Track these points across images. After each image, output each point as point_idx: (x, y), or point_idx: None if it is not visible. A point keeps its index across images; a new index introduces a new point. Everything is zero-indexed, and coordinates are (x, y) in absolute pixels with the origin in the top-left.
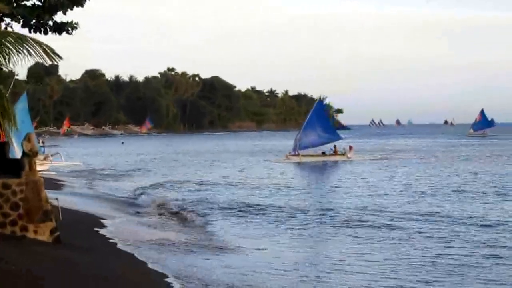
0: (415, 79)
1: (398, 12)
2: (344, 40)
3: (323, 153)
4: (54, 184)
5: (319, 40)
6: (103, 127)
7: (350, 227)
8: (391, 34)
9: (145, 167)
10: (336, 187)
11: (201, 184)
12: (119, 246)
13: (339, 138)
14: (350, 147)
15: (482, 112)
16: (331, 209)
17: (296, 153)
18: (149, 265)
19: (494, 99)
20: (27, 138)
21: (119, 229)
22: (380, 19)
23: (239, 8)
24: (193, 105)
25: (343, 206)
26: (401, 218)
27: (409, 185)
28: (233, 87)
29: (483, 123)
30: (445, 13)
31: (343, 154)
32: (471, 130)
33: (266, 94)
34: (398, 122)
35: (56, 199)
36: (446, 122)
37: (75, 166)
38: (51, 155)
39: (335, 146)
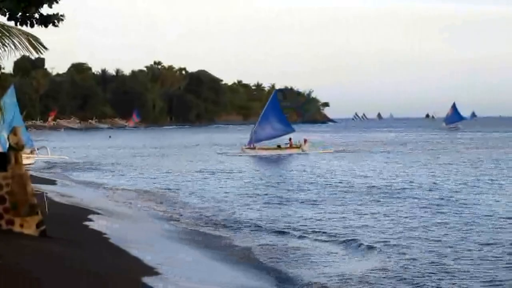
0: (400, 73)
1: (383, 7)
2: (331, 34)
3: (278, 146)
4: (40, 178)
5: (305, 34)
6: (90, 120)
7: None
8: (377, 29)
9: (129, 162)
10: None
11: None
12: (108, 240)
13: (292, 130)
14: (305, 140)
15: (454, 106)
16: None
17: (252, 146)
18: (141, 259)
19: (476, 92)
20: (13, 131)
21: (107, 222)
22: (365, 14)
23: (226, 1)
24: (179, 98)
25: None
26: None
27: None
28: (219, 80)
29: (455, 116)
30: (430, 7)
31: (298, 147)
32: (444, 124)
33: (253, 87)
34: (379, 116)
35: (43, 192)
36: (427, 115)
37: (61, 159)
38: (37, 149)
39: (290, 139)
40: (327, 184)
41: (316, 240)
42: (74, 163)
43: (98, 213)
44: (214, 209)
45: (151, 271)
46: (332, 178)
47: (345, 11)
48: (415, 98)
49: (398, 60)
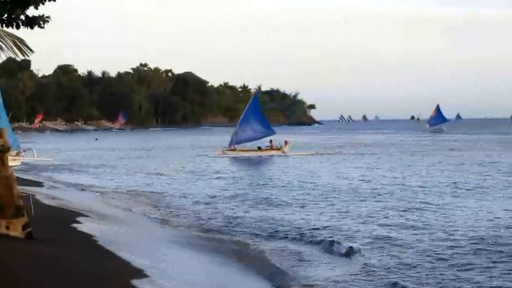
0: (386, 76)
1: (371, 9)
2: (317, 36)
3: (259, 148)
4: (26, 180)
5: (291, 36)
6: (76, 122)
7: None
8: (364, 31)
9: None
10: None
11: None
12: (97, 242)
13: (273, 132)
14: (286, 142)
15: (437, 107)
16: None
17: (233, 147)
18: (130, 262)
19: (462, 94)
20: None
21: (96, 224)
22: (352, 16)
23: (212, 3)
24: (165, 100)
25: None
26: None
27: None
28: (205, 82)
29: (438, 118)
30: (420, 10)
31: (279, 149)
32: (427, 126)
33: (239, 89)
34: (365, 118)
35: (28, 194)
36: (413, 117)
37: (47, 161)
38: (23, 151)
39: (271, 141)
40: (309, 186)
41: (305, 242)
42: (60, 165)
43: (86, 215)
44: (202, 211)
45: (140, 274)
46: (314, 180)
47: (332, 13)
48: (401, 100)
49: (385, 62)
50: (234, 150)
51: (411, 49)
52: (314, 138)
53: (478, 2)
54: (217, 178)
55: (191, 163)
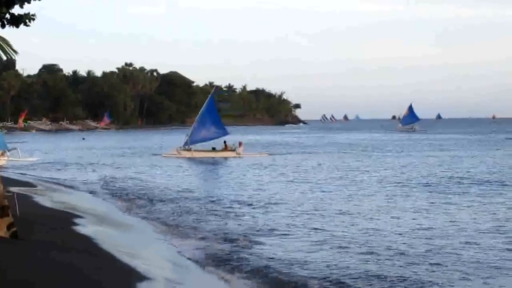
0: (369, 76)
1: (352, 11)
2: (303, 35)
3: (213, 149)
4: (11, 180)
5: (277, 35)
6: (61, 122)
7: None
8: (349, 32)
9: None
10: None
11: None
12: (86, 242)
13: (227, 133)
14: (240, 143)
15: (410, 107)
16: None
17: (188, 147)
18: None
19: (444, 95)
20: None
21: (88, 224)
22: (334, 18)
23: (198, 2)
24: (151, 100)
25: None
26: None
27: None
28: (191, 82)
29: (411, 117)
30: (399, 11)
31: (234, 150)
32: (400, 125)
33: (224, 89)
34: (346, 118)
35: (13, 194)
36: (394, 117)
37: (32, 161)
38: (8, 151)
39: (225, 142)
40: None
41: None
42: (48, 164)
43: (75, 215)
44: (176, 212)
45: (138, 275)
46: (267, 181)
47: (315, 14)
48: (383, 100)
49: (367, 63)
50: (189, 150)
51: (395, 50)
52: (277, 138)
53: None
54: (175, 178)
55: (149, 163)
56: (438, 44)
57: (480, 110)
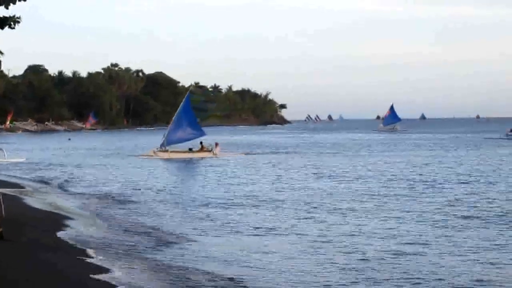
0: (354, 75)
1: (339, 10)
2: (287, 35)
3: (190, 149)
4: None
5: (261, 35)
6: (46, 123)
7: None
8: (334, 32)
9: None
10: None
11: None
12: (69, 243)
13: (203, 134)
14: (216, 144)
15: (391, 107)
16: None
17: (164, 149)
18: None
19: (429, 95)
20: None
21: (73, 225)
22: (318, 18)
23: (182, 2)
24: (137, 100)
25: None
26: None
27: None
28: (176, 82)
29: (392, 118)
30: (387, 10)
31: (210, 151)
32: (381, 125)
33: (210, 89)
34: (330, 118)
35: None
36: (378, 117)
37: (18, 162)
38: None
39: (201, 143)
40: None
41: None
42: (35, 165)
43: (63, 216)
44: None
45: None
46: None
47: (301, 11)
48: (367, 100)
49: (354, 61)
50: (166, 151)
51: (381, 50)
52: (257, 138)
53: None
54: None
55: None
56: (438, 43)
57: (466, 110)
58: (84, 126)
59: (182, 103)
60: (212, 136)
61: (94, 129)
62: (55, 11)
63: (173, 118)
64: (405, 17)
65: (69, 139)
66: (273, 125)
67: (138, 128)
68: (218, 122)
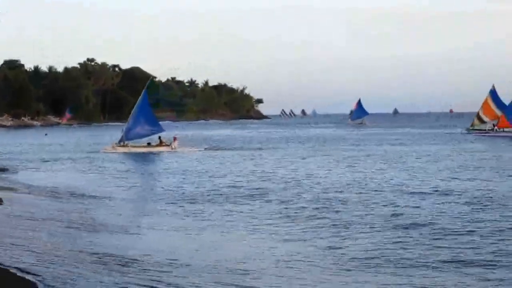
0: (331, 70)
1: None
2: (264, 29)
3: (149, 144)
4: None
5: (238, 30)
6: (22, 118)
7: None
8: (311, 25)
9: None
10: None
11: None
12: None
13: (161, 130)
14: (175, 138)
15: (358, 102)
16: None
17: (123, 143)
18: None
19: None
20: None
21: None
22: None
23: None
24: (113, 95)
25: None
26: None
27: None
28: (153, 77)
29: (359, 112)
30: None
31: (169, 145)
32: (350, 120)
33: (187, 84)
34: (303, 112)
35: None
36: (351, 112)
37: None
38: None
39: (160, 137)
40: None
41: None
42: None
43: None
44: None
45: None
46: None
47: (277, 5)
48: (341, 94)
49: (331, 56)
50: (126, 146)
51: (357, 44)
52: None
53: None
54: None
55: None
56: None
57: (440, 104)
58: (60, 121)
59: (139, 100)
60: (184, 131)
61: (70, 124)
62: (29, 5)
63: (131, 113)
64: None
65: (46, 134)
66: (244, 119)
67: (113, 123)
68: (194, 117)
